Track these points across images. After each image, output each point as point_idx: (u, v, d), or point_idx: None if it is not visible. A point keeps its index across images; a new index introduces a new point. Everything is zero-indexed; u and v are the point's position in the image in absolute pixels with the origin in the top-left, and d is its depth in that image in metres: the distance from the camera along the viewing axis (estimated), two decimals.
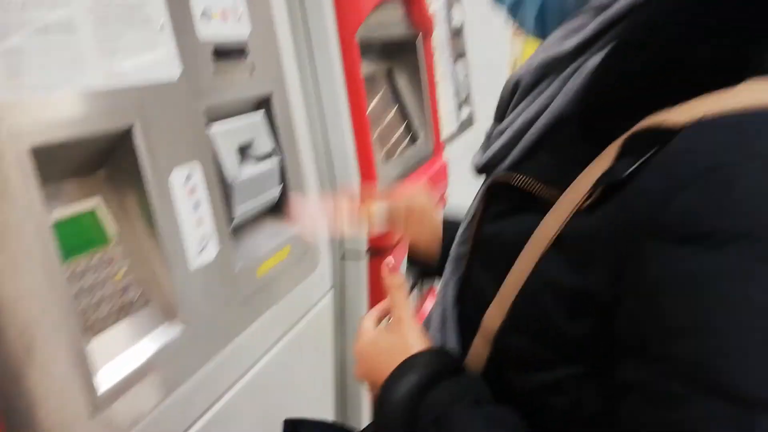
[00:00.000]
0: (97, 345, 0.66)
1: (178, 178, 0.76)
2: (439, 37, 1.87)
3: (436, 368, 0.56)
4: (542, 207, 0.49)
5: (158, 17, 0.75)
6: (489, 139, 0.60)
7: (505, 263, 0.52)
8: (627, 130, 0.44)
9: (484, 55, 2.11)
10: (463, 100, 2.07)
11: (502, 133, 0.56)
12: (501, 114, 0.59)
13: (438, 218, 0.85)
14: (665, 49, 0.44)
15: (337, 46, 1.16)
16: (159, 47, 0.75)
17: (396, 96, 1.66)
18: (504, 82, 0.60)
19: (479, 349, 0.56)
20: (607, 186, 0.44)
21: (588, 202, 0.45)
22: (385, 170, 1.40)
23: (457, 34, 2.02)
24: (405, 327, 0.63)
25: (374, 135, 1.37)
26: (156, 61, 0.74)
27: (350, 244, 1.25)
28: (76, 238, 0.69)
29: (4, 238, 0.56)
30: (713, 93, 0.42)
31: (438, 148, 1.74)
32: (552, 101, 0.51)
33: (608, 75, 0.47)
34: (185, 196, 0.77)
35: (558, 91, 0.51)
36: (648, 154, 0.42)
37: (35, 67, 0.59)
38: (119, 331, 0.70)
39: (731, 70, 0.42)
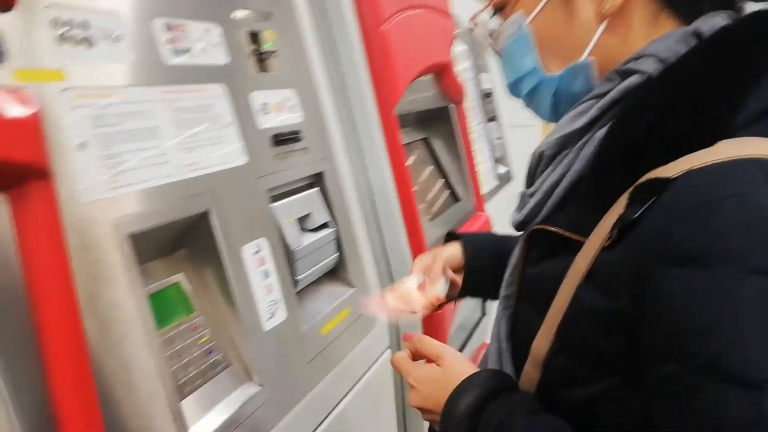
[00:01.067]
0: (188, 403, 0.75)
1: (248, 251, 0.86)
2: (471, 102, 1.99)
3: (493, 385, 0.65)
4: (573, 249, 0.60)
5: (225, 116, 0.87)
6: (522, 199, 0.71)
7: (547, 298, 0.62)
8: (629, 184, 0.55)
9: (516, 117, 2.21)
10: (499, 159, 2.16)
11: (532, 195, 0.68)
12: (530, 179, 0.71)
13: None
14: (649, 123, 0.56)
15: (378, 122, 1.28)
16: (227, 140, 0.87)
17: (435, 160, 1.76)
18: (535, 142, 0.71)
19: (530, 374, 0.65)
20: (621, 227, 0.54)
21: (609, 241, 0.56)
22: (430, 228, 1.49)
23: (487, 97, 2.14)
24: (450, 358, 0.71)
25: (417, 198, 1.47)
26: (226, 152, 0.86)
27: None
28: (166, 310, 0.80)
29: (113, 314, 0.66)
30: (694, 152, 0.53)
31: (480, 203, 1.83)
32: (570, 167, 0.63)
33: (610, 146, 0.59)
34: (256, 267, 0.87)
35: (575, 158, 0.63)
36: (650, 201, 0.53)
37: (129, 168, 0.71)
38: (205, 391, 0.79)
39: (704, 135, 0.54)
